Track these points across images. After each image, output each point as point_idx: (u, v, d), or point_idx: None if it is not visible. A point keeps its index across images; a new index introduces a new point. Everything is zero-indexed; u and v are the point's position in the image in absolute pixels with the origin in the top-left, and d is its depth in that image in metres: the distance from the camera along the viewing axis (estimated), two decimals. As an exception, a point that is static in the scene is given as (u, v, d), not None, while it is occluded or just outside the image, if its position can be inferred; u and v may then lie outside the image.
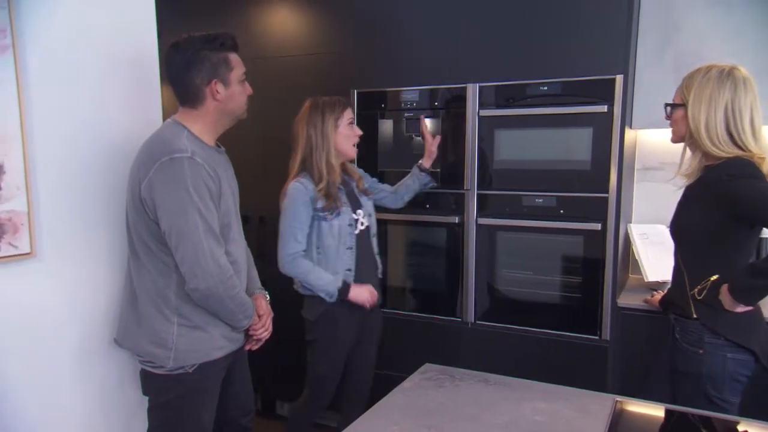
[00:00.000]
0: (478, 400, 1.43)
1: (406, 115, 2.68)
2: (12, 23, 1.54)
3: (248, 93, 1.79)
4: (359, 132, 2.28)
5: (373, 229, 2.35)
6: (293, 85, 2.97)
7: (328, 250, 2.18)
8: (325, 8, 2.88)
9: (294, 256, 2.16)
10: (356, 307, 2.24)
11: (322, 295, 2.18)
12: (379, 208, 2.52)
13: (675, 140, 1.90)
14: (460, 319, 2.64)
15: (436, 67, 2.58)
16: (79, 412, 1.79)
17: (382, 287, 2.67)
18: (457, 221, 2.60)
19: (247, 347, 1.89)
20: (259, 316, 1.86)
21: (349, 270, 2.21)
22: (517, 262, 2.55)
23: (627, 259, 2.70)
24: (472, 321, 2.62)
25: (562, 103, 2.37)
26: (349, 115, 2.23)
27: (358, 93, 2.75)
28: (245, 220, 3.06)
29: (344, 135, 2.21)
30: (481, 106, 2.51)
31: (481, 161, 2.54)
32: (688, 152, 1.86)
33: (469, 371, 1.61)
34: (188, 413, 1.72)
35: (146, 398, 1.77)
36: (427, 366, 1.65)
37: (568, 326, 2.45)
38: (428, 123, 2.59)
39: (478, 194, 2.56)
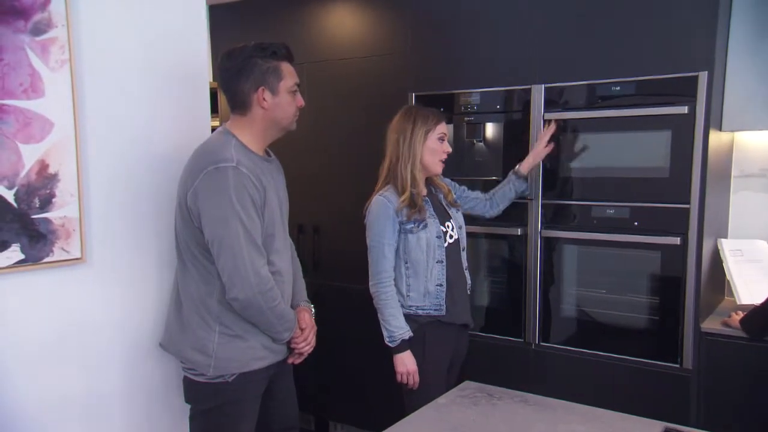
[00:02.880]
0: (512, 420, 1.52)
1: (466, 119, 2.79)
2: (70, 39, 1.81)
3: (299, 104, 1.96)
4: (449, 149, 2.35)
5: (463, 243, 2.42)
6: (349, 89, 3.15)
7: (417, 265, 2.28)
8: (381, 8, 3.05)
9: (384, 276, 2.27)
10: (449, 328, 2.33)
11: (384, 333, 2.28)
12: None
13: None
14: (522, 340, 2.71)
15: (499, 68, 2.69)
16: (126, 415, 2.03)
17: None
18: (519, 233, 2.67)
19: (290, 360, 2.06)
20: (302, 330, 2.02)
21: (440, 285, 2.29)
22: (585, 278, 2.59)
23: (719, 278, 2.66)
24: (536, 343, 2.68)
25: (636, 105, 2.40)
26: (441, 129, 2.32)
27: (416, 96, 2.89)
28: (300, 229, 3.31)
29: (432, 149, 2.30)
30: (547, 108, 2.58)
31: (546, 168, 2.61)
32: None
33: (508, 390, 1.69)
34: (227, 423, 1.91)
35: (189, 406, 1.98)
36: (467, 383, 1.75)
37: (644, 352, 2.46)
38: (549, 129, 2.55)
39: (542, 204, 2.62)
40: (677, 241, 2.36)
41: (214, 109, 2.15)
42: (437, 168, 2.34)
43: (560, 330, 2.64)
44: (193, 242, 1.87)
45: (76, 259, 1.85)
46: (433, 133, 2.30)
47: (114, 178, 1.97)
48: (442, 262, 2.30)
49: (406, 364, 2.27)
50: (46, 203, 1.78)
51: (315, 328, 2.09)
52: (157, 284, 2.08)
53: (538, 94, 2.59)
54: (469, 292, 2.46)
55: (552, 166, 2.60)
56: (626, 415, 1.54)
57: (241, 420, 1.94)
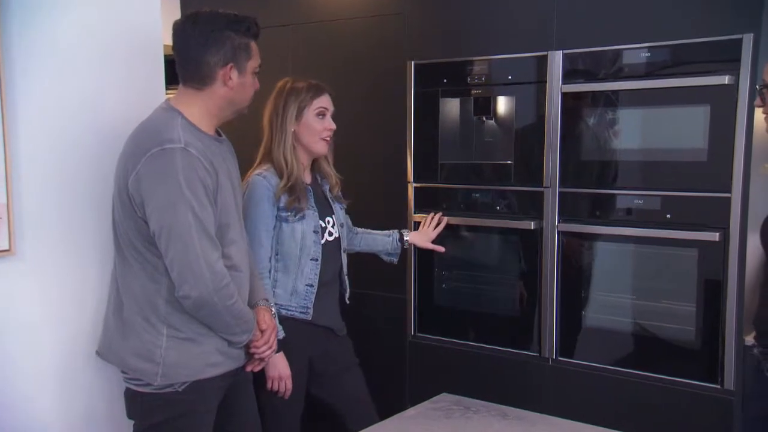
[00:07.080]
0: (484, 435, 1.61)
1: (474, 92, 2.87)
2: (-5, 2, 1.94)
3: (256, 88, 2.11)
4: (331, 125, 2.46)
5: (344, 243, 2.58)
6: (340, 56, 3.25)
7: (288, 259, 2.41)
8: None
9: (261, 268, 2.38)
10: (311, 330, 2.46)
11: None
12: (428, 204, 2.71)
13: None
14: (537, 354, 2.78)
15: (511, 32, 2.76)
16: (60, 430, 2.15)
17: (430, 310, 2.92)
18: (533, 227, 2.73)
19: (249, 368, 2.16)
20: (262, 332, 2.13)
21: (311, 286, 2.43)
22: (610, 281, 2.65)
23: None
24: (554, 357, 2.74)
25: (669, 74, 2.45)
26: (320, 103, 2.45)
27: (416, 65, 2.98)
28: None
29: (308, 126, 2.43)
30: (566, 79, 2.64)
31: (564, 150, 2.67)
32: None
33: (487, 403, 1.78)
34: (178, 440, 2.03)
35: (132, 422, 2.09)
36: (444, 395, 1.85)
37: (678, 369, 2.50)
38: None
39: (560, 193, 2.69)
40: (716, 236, 2.39)
41: (172, 81, 2.25)
42: (318, 147, 2.46)
43: (581, 342, 2.70)
44: (136, 234, 1.98)
45: (4, 251, 1.96)
46: (309, 109, 2.42)
47: (50, 159, 2.07)
48: (316, 260, 2.43)
49: (279, 368, 2.35)
50: (-33, 187, 1.91)
51: (276, 329, 2.20)
52: (98, 280, 2.18)
53: (555, 61, 2.64)
54: (348, 301, 2.59)
55: (571, 149, 2.66)
56: (610, 431, 1.62)
57: (192, 436, 2.06)
